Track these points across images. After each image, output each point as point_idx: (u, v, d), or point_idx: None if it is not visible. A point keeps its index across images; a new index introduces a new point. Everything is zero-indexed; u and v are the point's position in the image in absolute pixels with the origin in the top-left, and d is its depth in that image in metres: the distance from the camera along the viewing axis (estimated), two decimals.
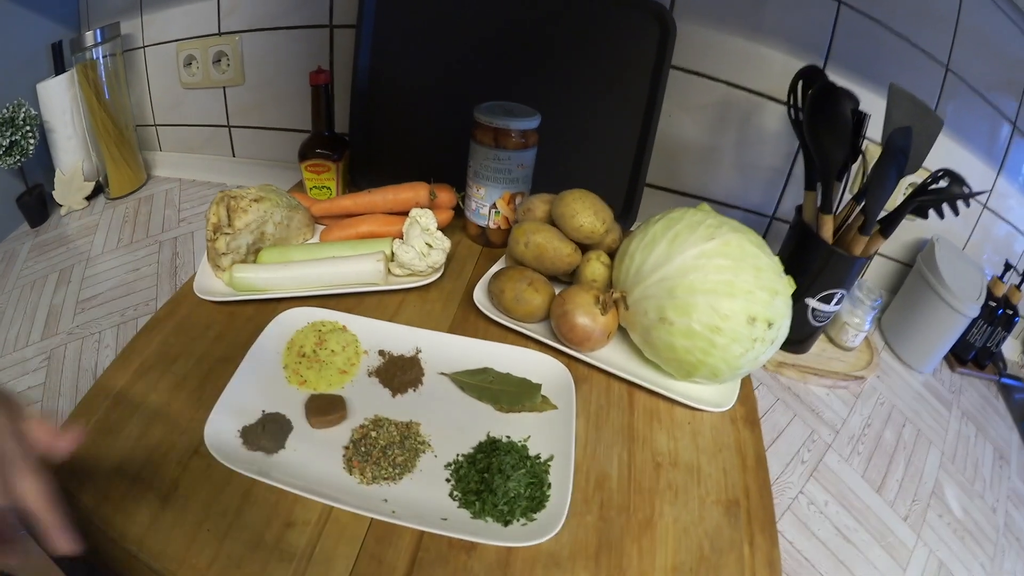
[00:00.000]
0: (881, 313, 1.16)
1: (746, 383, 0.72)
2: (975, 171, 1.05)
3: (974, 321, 1.05)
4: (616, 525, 0.56)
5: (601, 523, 0.56)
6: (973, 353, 1.13)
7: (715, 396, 0.68)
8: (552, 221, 0.80)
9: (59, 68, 1.16)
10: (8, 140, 1.07)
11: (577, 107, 0.97)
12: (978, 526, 0.82)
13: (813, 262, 0.85)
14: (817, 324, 0.89)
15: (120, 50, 1.19)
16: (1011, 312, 1.06)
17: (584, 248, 0.79)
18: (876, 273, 1.19)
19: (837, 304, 0.88)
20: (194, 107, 1.26)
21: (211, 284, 0.81)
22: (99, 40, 1.12)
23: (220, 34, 1.15)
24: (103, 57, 1.14)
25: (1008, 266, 1.09)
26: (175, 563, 0.51)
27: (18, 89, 1.11)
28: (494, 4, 0.94)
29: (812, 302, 0.86)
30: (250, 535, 0.53)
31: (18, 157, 1.09)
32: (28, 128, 1.09)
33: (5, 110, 1.07)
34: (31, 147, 1.10)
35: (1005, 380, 1.14)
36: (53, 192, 1.20)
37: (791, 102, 0.85)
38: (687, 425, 0.66)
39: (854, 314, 0.95)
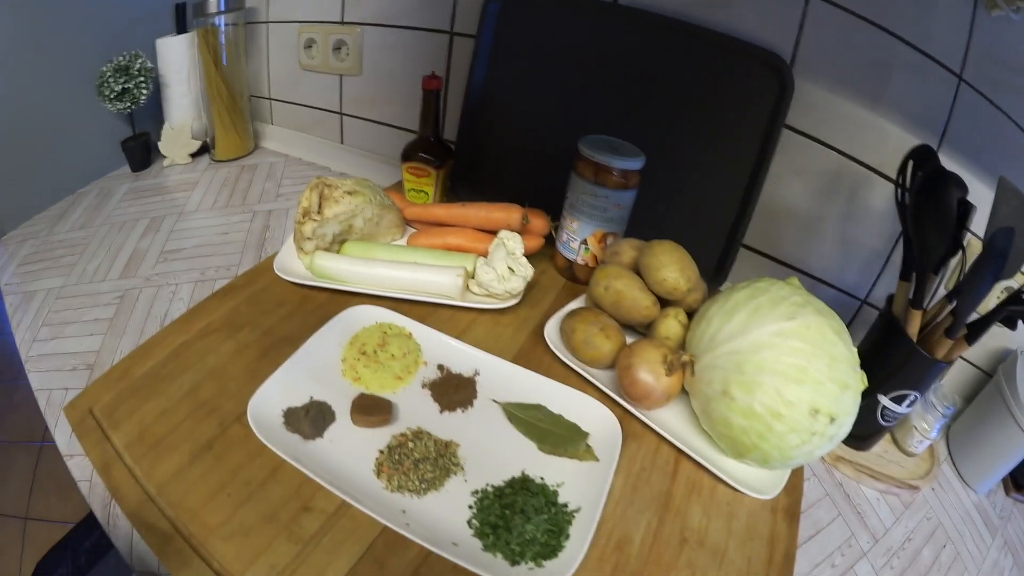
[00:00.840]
0: (952, 421, 1.08)
1: (796, 473, 0.68)
2: None
3: None
4: None
5: None
6: None
7: (762, 481, 0.65)
8: (637, 269, 0.78)
9: (181, 28, 1.21)
10: (121, 86, 1.12)
11: (683, 154, 0.93)
12: None
13: (894, 358, 0.80)
14: (885, 424, 0.84)
15: (243, 21, 1.23)
16: None
17: (664, 303, 0.77)
18: (954, 378, 1.12)
19: (909, 406, 0.82)
20: (310, 88, 1.29)
21: (291, 264, 0.83)
22: (222, 8, 1.16)
23: (342, 23, 1.17)
24: (224, 25, 1.18)
25: None
26: (188, 515, 0.53)
27: (137, 40, 1.17)
28: (614, 37, 0.93)
29: (884, 400, 0.81)
30: (266, 509, 0.54)
31: (128, 103, 1.15)
32: (142, 79, 1.15)
33: (122, 58, 1.13)
34: (143, 96, 1.16)
35: None
36: (159, 143, 1.25)
37: (899, 181, 0.81)
38: (725, 505, 0.63)
39: (924, 419, 0.89)
